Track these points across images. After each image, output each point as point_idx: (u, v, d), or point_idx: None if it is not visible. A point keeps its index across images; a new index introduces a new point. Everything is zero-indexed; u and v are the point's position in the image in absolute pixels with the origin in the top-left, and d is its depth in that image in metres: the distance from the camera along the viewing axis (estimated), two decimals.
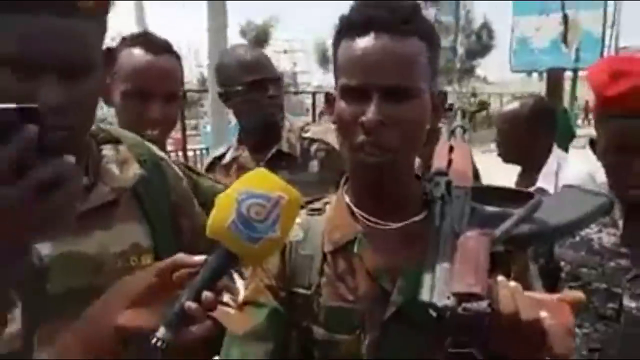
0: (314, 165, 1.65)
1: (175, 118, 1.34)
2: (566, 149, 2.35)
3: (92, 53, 0.74)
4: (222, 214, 0.66)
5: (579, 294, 0.66)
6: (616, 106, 1.16)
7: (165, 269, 0.69)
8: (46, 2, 0.66)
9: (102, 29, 0.76)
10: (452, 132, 0.92)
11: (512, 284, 0.66)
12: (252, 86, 1.61)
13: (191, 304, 0.65)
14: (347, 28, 0.80)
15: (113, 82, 1.24)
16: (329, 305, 0.83)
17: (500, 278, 0.66)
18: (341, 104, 0.80)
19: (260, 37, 28.09)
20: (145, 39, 1.28)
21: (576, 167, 1.95)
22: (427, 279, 0.69)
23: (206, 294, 0.65)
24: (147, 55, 1.25)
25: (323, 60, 28.92)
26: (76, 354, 0.65)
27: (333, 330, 0.82)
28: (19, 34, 0.66)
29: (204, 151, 7.32)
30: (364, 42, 0.77)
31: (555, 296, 0.66)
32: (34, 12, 0.66)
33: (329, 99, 0.85)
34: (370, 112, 0.75)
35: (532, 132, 1.99)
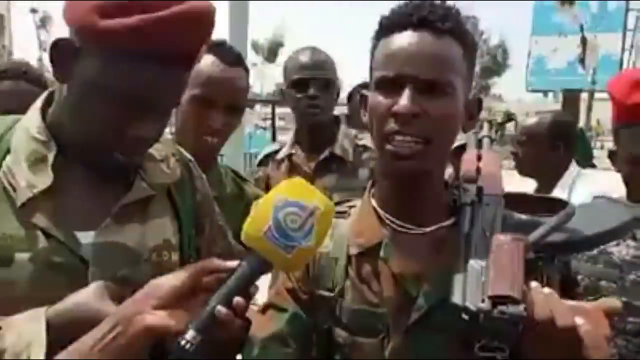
0: (365, 173, 1.66)
1: (234, 129, 1.36)
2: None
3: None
4: (258, 220, 0.67)
5: (615, 302, 0.66)
6: (634, 114, 1.19)
7: (198, 272, 0.70)
8: (174, 58, 0.77)
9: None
10: (479, 142, 0.92)
11: (547, 290, 0.65)
12: (293, 85, 1.67)
13: (222, 309, 0.66)
14: (386, 27, 0.82)
15: None
16: (352, 307, 0.82)
17: (535, 284, 0.66)
18: (376, 96, 0.81)
19: (272, 50, 28.34)
20: (221, 49, 1.31)
21: (591, 183, 1.94)
22: (458, 282, 0.69)
23: (237, 300, 0.67)
24: (221, 65, 1.27)
25: None
26: (105, 351, 0.66)
27: (356, 333, 0.82)
28: (146, 80, 0.77)
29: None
30: (402, 37, 0.79)
31: (591, 304, 0.65)
32: (163, 65, 0.76)
33: (364, 100, 0.86)
34: (404, 100, 0.76)
35: (551, 146, 2.00)
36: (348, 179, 1.63)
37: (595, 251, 1.25)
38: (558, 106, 12.29)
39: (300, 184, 0.71)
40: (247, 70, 1.35)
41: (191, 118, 1.27)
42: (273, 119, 11.38)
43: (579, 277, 1.27)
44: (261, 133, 15.00)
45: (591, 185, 1.91)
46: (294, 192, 0.69)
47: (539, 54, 11.23)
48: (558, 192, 1.95)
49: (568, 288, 1.27)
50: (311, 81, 1.65)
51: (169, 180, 0.91)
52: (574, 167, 2.04)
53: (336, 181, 1.64)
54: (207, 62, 1.26)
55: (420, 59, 0.77)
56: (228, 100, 1.27)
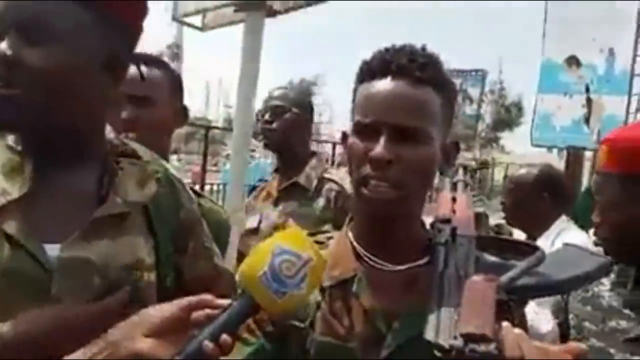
0: (320, 201, 1.78)
1: (148, 121, 1.36)
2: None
3: None
4: (255, 264, 0.72)
5: (582, 346, 0.67)
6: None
7: (189, 306, 0.73)
8: None
9: None
10: (454, 185, 0.96)
11: (517, 330, 0.66)
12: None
13: (209, 344, 0.68)
14: (367, 72, 0.85)
15: None
16: (321, 340, 0.83)
17: (505, 324, 0.67)
18: (354, 140, 0.84)
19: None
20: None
21: (575, 236, 1.97)
22: (431, 319, 0.71)
23: (224, 337, 0.69)
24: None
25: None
26: None
27: None
28: None
29: (220, 186, 7.54)
30: (380, 84, 0.82)
31: (558, 347, 0.67)
32: None
33: (344, 137, 0.90)
34: (379, 147, 0.79)
35: (537, 196, 2.05)
36: (308, 207, 1.76)
37: (589, 293, 1.27)
38: (561, 162, 12.35)
39: (297, 234, 0.76)
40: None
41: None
42: None
43: (570, 316, 1.29)
44: (264, 164, 15.10)
45: (575, 237, 1.94)
46: (290, 241, 0.74)
47: (544, 111, 11.37)
48: (541, 242, 1.97)
49: (565, 327, 1.26)
50: (268, 108, 1.86)
51: (142, 199, 0.91)
52: (561, 221, 2.07)
53: (296, 208, 1.78)
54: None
55: (396, 106, 0.80)
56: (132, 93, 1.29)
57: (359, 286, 0.85)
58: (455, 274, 0.77)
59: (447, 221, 0.84)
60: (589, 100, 11.03)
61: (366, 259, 0.87)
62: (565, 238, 1.91)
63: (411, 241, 0.87)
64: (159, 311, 0.72)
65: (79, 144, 0.88)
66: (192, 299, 0.73)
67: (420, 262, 0.86)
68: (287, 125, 1.86)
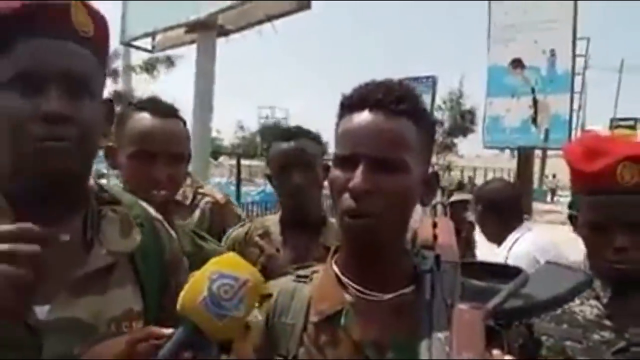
0: (196, 214, 1.86)
1: (181, 179, 1.38)
2: None
3: None
4: (194, 291, 0.72)
5: None
6: (592, 183, 1.20)
7: (136, 339, 0.73)
8: None
9: None
10: (433, 208, 0.95)
11: (508, 357, 0.67)
12: None
13: None
14: (346, 107, 0.86)
15: (120, 145, 1.31)
16: None
17: (496, 351, 0.67)
18: (334, 172, 0.84)
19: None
20: (152, 104, 1.35)
21: (523, 248, 2.16)
22: (423, 350, 0.70)
23: None
24: (154, 119, 1.30)
25: None
26: None
27: None
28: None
29: None
30: (358, 118, 0.83)
31: None
32: None
33: (327, 170, 0.89)
34: (357, 178, 0.79)
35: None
36: (184, 220, 1.79)
37: (559, 311, 1.26)
38: (514, 162, 12.78)
39: (233, 258, 0.77)
40: (183, 121, 1.39)
41: (134, 175, 1.28)
42: (239, 171, 11.46)
43: (543, 337, 1.28)
44: (227, 185, 14.95)
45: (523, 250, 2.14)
46: (227, 265, 0.74)
47: (494, 114, 11.80)
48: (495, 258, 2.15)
49: (530, 350, 1.29)
50: None
51: (127, 248, 0.89)
52: (520, 229, 2.25)
53: (177, 221, 1.83)
54: (139, 118, 1.30)
55: (373, 138, 0.81)
56: (167, 151, 1.30)
57: (347, 319, 0.83)
58: (442, 301, 0.76)
59: (430, 247, 0.83)
60: (534, 101, 11.52)
61: (353, 289, 0.86)
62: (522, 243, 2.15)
63: (396, 269, 0.86)
64: (107, 347, 0.73)
65: (75, 191, 0.87)
66: (137, 332, 0.75)
67: (407, 290, 0.85)
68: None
